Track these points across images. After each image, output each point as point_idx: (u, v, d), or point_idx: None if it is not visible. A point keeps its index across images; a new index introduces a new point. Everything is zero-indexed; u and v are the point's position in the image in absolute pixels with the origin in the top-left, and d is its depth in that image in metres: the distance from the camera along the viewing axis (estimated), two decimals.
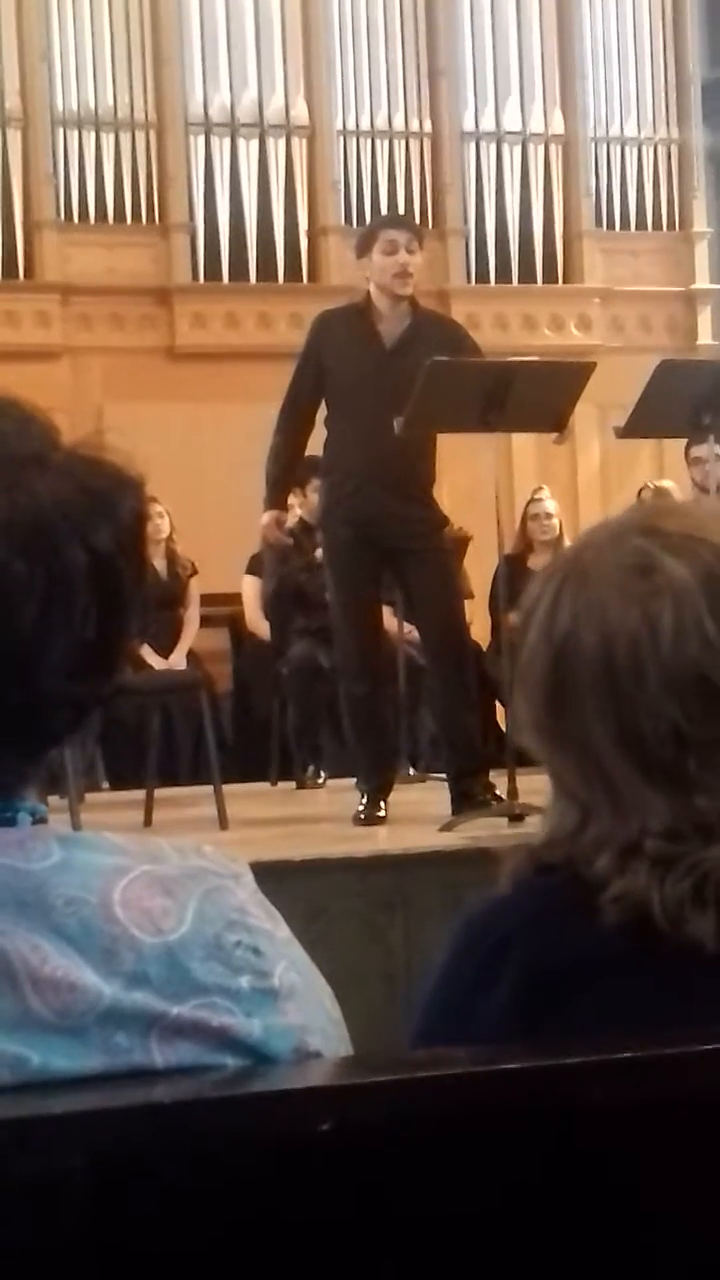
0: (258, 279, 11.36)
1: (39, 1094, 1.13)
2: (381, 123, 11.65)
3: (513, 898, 1.49)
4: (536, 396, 5.92)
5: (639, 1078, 1.19)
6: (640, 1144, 1.18)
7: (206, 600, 9.43)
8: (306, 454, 6.57)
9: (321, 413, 6.42)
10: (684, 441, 7.96)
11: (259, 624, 9.12)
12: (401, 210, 11.52)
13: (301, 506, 8.14)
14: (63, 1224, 1.07)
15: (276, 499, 6.59)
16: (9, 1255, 1.07)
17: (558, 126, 11.96)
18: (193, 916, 1.21)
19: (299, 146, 11.49)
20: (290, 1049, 1.23)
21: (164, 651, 8.92)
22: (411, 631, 7.93)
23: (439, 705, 6.48)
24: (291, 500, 8.92)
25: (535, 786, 5.62)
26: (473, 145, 11.83)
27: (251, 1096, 1.16)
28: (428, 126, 11.74)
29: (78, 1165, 1.07)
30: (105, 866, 1.22)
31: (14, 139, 10.99)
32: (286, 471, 6.57)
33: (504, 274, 11.74)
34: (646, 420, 6.43)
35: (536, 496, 9.25)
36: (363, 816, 6.19)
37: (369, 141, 11.63)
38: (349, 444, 6.17)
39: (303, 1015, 1.25)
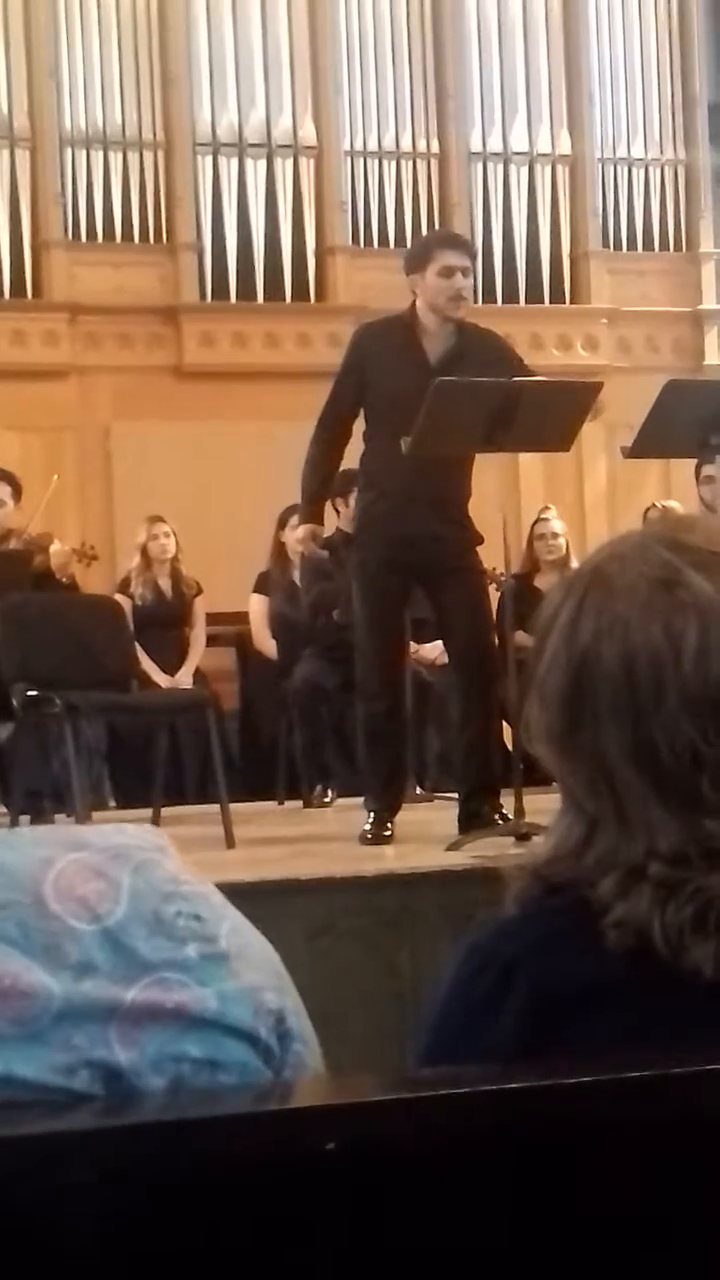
0: (265, 298, 11.38)
1: (46, 1113, 1.14)
2: (389, 143, 11.68)
3: (518, 921, 1.48)
4: (544, 416, 5.92)
5: (645, 1098, 1.19)
6: (646, 1164, 1.18)
7: (213, 619, 9.45)
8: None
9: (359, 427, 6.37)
10: (692, 461, 7.97)
11: (266, 643, 9.14)
12: (408, 230, 11.55)
13: (340, 517, 8.08)
14: (70, 1242, 1.07)
15: (313, 513, 6.52)
16: (17, 1274, 1.07)
17: (565, 147, 11.98)
18: (128, 895, 1.22)
19: (306, 166, 11.52)
20: (250, 1013, 1.23)
21: (170, 670, 8.94)
22: (418, 650, 7.93)
23: (464, 724, 6.37)
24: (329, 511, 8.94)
25: (542, 806, 5.61)
26: (480, 166, 11.85)
27: (258, 1115, 1.17)
28: (435, 147, 11.76)
29: (85, 1183, 1.07)
30: (31, 862, 1.22)
31: (22, 159, 11.02)
32: (324, 485, 6.51)
33: (511, 294, 11.75)
34: (654, 440, 6.42)
35: (543, 516, 9.26)
36: (369, 836, 6.18)
37: (376, 162, 11.66)
38: (388, 460, 6.06)
39: (255, 974, 1.25)
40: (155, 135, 11.30)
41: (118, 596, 8.69)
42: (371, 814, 6.27)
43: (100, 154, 11.20)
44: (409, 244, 11.38)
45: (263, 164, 11.43)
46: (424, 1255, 1.13)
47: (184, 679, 9.00)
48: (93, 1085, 1.18)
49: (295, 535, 6.68)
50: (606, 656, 1.45)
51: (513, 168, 11.89)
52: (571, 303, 11.96)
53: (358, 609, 6.33)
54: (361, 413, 6.31)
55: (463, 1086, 1.19)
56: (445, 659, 8.09)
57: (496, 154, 11.89)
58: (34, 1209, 1.06)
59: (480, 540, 6.29)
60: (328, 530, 8.70)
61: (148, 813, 6.84)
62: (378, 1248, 1.11)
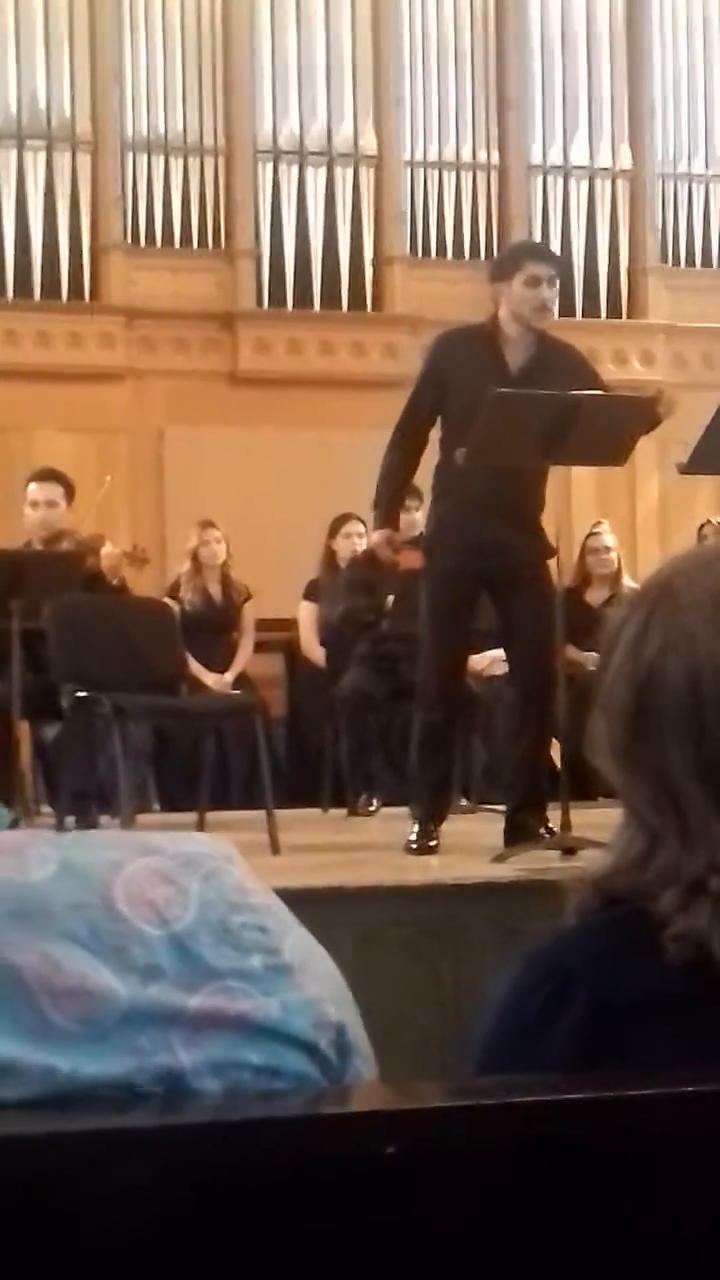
0: (321, 307, 11.40)
1: (104, 1109, 1.14)
2: (449, 154, 11.69)
3: (577, 932, 1.48)
4: (600, 430, 5.90)
5: (705, 1112, 1.19)
6: (704, 1178, 1.18)
7: (262, 625, 9.46)
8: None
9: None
10: None
11: (314, 650, 9.15)
12: (466, 242, 11.56)
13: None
14: (129, 1238, 1.08)
15: (389, 518, 6.48)
16: (69, 1268, 1.07)
17: (625, 161, 11.97)
18: (197, 903, 1.22)
19: (366, 176, 11.54)
20: (310, 1024, 1.24)
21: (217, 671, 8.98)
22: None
23: (517, 736, 6.33)
24: (356, 527, 8.97)
25: (589, 820, 5.60)
26: (540, 179, 11.85)
27: (318, 1118, 1.17)
28: (495, 159, 11.77)
29: (142, 1182, 1.08)
30: (102, 864, 1.23)
31: (84, 162, 11.07)
32: (401, 491, 6.47)
33: (568, 308, 11.69)
34: (709, 457, 6.40)
35: (595, 530, 9.25)
36: (415, 845, 6.16)
37: (436, 172, 11.67)
38: (466, 468, 5.99)
39: (317, 986, 1.26)
40: (216, 141, 11.34)
41: (167, 600, 8.71)
42: (417, 823, 6.25)
43: (161, 159, 11.24)
44: (466, 256, 11.46)
45: (323, 172, 11.46)
46: (479, 1262, 1.13)
47: (229, 679, 9.03)
48: (154, 1087, 1.18)
49: (371, 540, 6.70)
50: (672, 671, 1.45)
51: (573, 181, 11.88)
52: (629, 318, 11.94)
53: (424, 616, 6.28)
54: (439, 420, 6.28)
55: (524, 1096, 1.19)
56: (494, 670, 8.10)
57: (557, 167, 11.88)
58: (90, 1206, 1.07)
59: (553, 552, 6.27)
60: (360, 545, 8.74)
61: (192, 817, 6.84)
62: (435, 1253, 1.12)
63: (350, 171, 11.50)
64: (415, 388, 6.37)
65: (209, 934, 1.21)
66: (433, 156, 11.67)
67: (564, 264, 11.63)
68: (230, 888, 1.25)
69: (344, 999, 1.29)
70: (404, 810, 6.58)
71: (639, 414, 6.12)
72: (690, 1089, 1.20)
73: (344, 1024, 1.26)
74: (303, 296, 11.38)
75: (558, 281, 6.33)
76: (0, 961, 1.17)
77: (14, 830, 1.30)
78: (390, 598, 8.10)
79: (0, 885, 1.20)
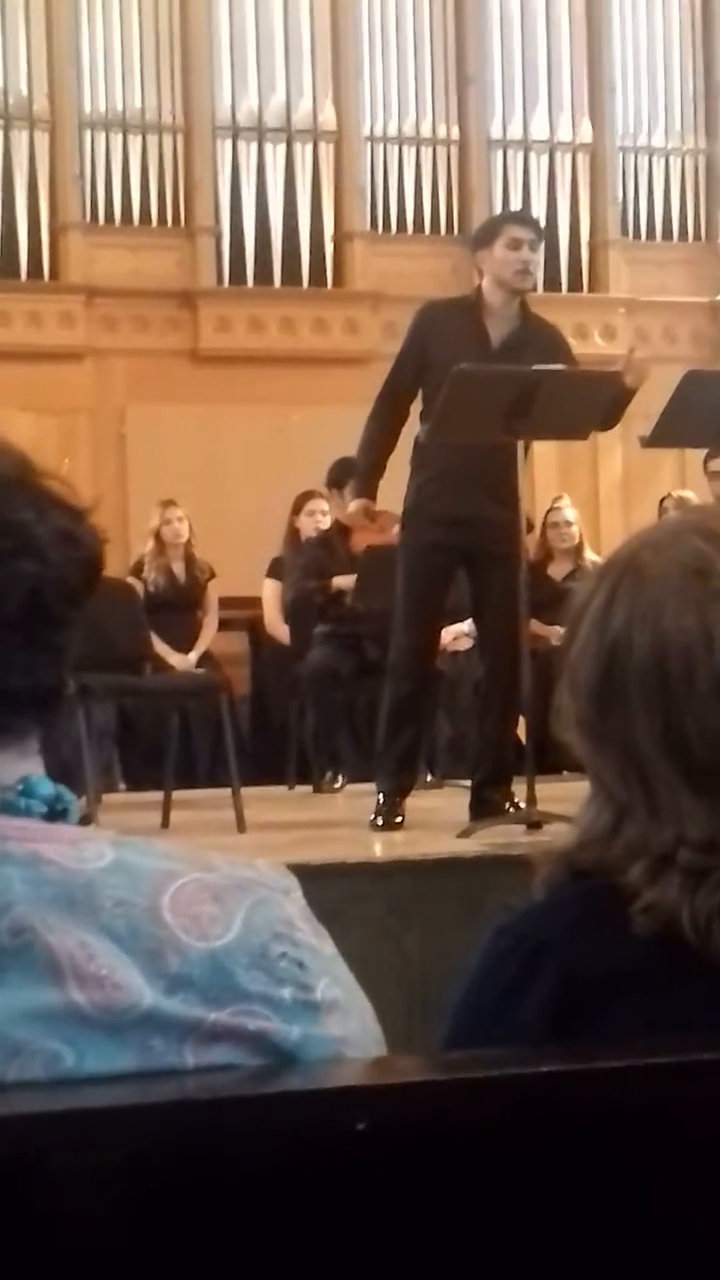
0: (282, 283, 11.38)
1: (79, 1089, 1.14)
2: (409, 129, 11.67)
3: (547, 905, 1.48)
4: (563, 405, 5.91)
5: (673, 1083, 1.20)
6: (674, 1149, 1.18)
7: (225, 603, 9.45)
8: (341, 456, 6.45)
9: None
10: (705, 452, 7.96)
11: (278, 628, 9.14)
12: (427, 217, 11.55)
13: (338, 509, 8.12)
14: (98, 1218, 1.07)
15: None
16: (46, 1248, 1.07)
17: (585, 135, 11.96)
18: (240, 925, 1.22)
19: (326, 152, 11.51)
20: (324, 1057, 1.23)
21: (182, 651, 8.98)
22: None
23: (484, 712, 6.35)
24: (319, 505, 8.95)
25: (554, 794, 5.61)
26: (500, 153, 11.84)
27: (287, 1095, 1.17)
28: (455, 134, 11.75)
29: (115, 1160, 1.07)
30: (156, 871, 1.23)
31: (41, 140, 11.02)
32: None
33: None
34: (672, 431, 6.42)
35: (556, 505, 9.27)
36: (380, 822, 6.16)
37: (396, 148, 11.65)
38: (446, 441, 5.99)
39: (343, 1029, 1.25)
40: (175, 119, 11.30)
41: (130, 580, 8.69)
42: (382, 795, 6.25)
43: (119, 137, 11.21)
44: (427, 231, 11.45)
45: (282, 149, 11.43)
46: (451, 1235, 1.13)
47: (193, 659, 9.03)
48: None
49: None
50: (638, 644, 1.45)
51: (533, 155, 11.87)
52: (590, 292, 11.94)
53: (400, 588, 6.25)
54: (420, 392, 6.25)
55: (494, 1070, 1.19)
56: (458, 645, 8.11)
57: (517, 141, 11.87)
58: (62, 1185, 1.07)
59: (530, 527, 6.25)
60: (324, 523, 8.73)
61: (158, 796, 6.83)
62: (406, 1228, 1.12)
63: (310, 147, 11.47)
64: (397, 359, 6.34)
65: (246, 956, 1.22)
66: (393, 131, 11.66)
67: None
68: (278, 918, 1.25)
69: (370, 1049, 1.28)
70: (369, 787, 6.58)
71: (602, 388, 6.12)
72: (660, 1060, 1.20)
73: None
74: (263, 273, 11.36)
75: (540, 247, 6.31)
76: (38, 942, 1.17)
77: (82, 825, 1.30)
78: (336, 580, 8.12)
79: (52, 869, 1.20)
